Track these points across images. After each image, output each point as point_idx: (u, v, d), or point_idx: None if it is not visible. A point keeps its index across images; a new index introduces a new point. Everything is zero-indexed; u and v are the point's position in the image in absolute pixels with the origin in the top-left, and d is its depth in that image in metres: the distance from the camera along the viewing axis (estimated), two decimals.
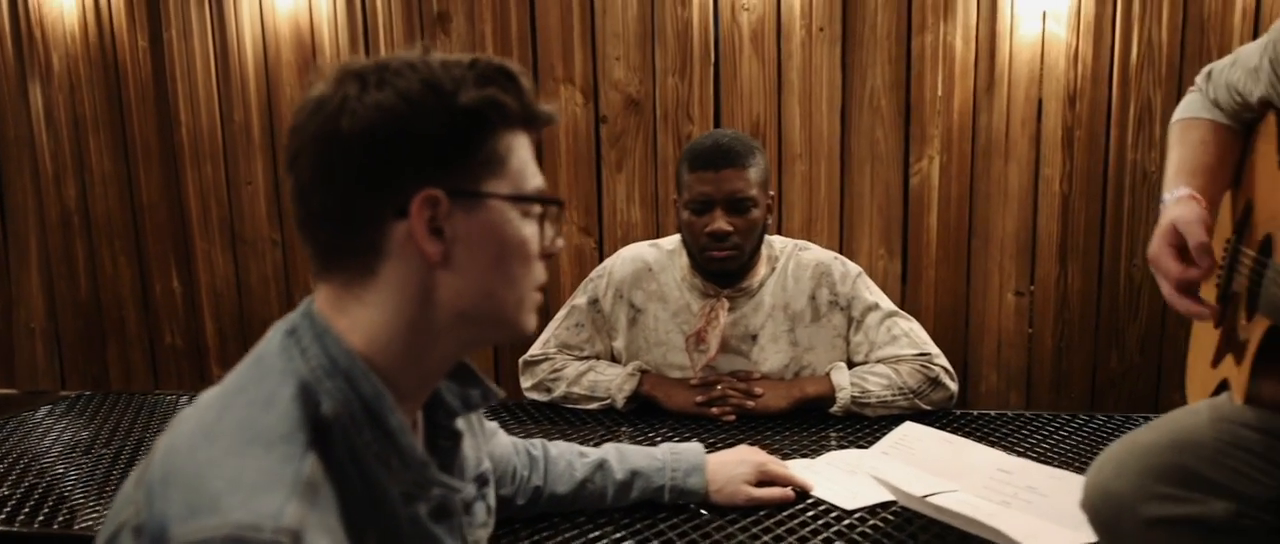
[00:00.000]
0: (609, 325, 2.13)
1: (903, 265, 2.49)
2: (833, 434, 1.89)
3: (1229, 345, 1.32)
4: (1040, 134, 2.36)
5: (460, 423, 1.10)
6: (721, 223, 1.95)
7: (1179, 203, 1.30)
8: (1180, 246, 1.25)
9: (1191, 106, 1.48)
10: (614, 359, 2.14)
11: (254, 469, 0.82)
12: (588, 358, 2.13)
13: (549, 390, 2.11)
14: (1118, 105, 2.31)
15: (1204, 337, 1.47)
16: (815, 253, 2.10)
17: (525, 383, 2.15)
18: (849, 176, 2.47)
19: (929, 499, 1.43)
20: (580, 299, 2.16)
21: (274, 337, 0.96)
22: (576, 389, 2.08)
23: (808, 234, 2.47)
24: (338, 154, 0.90)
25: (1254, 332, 1.21)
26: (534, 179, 0.97)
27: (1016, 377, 2.49)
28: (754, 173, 1.97)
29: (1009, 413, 2.10)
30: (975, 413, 2.08)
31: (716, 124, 2.50)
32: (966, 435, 1.85)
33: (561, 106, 2.56)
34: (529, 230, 0.96)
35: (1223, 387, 1.30)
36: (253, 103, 2.69)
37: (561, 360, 2.12)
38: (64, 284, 2.87)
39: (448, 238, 0.92)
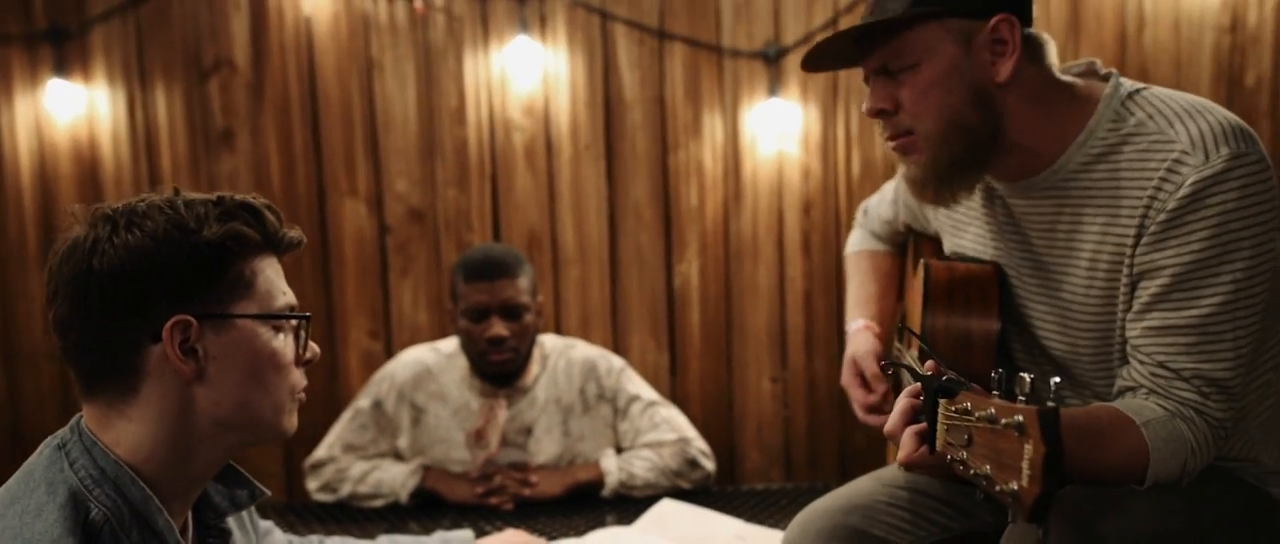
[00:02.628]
0: (393, 426, 2.24)
1: (670, 357, 2.72)
2: (608, 515, 2.07)
3: None
4: (783, 239, 2.68)
5: (231, 522, 1.20)
6: (499, 329, 2.13)
7: (856, 335, 1.61)
8: (862, 376, 1.55)
9: (857, 241, 1.81)
10: (398, 457, 2.25)
11: None
12: (372, 457, 2.23)
13: (335, 490, 2.19)
14: (845, 212, 2.65)
15: None
16: (583, 350, 2.30)
17: (311, 485, 2.22)
18: (618, 279, 2.70)
19: None
20: (364, 402, 2.27)
21: (44, 451, 1.05)
22: (362, 488, 2.17)
23: (583, 332, 2.67)
24: (92, 291, 1.01)
25: None
26: (282, 297, 1.10)
27: (776, 454, 2.75)
28: (525, 281, 2.16)
29: (764, 487, 2.35)
30: (749, 488, 2.32)
31: (495, 232, 2.69)
32: (733, 509, 2.07)
33: (346, 218, 2.68)
34: (279, 343, 1.08)
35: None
36: (28, 216, 2.68)
37: (346, 461, 2.21)
38: None
39: (201, 356, 1.03)
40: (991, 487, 0.87)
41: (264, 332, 1.07)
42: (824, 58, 1.36)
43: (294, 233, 1.12)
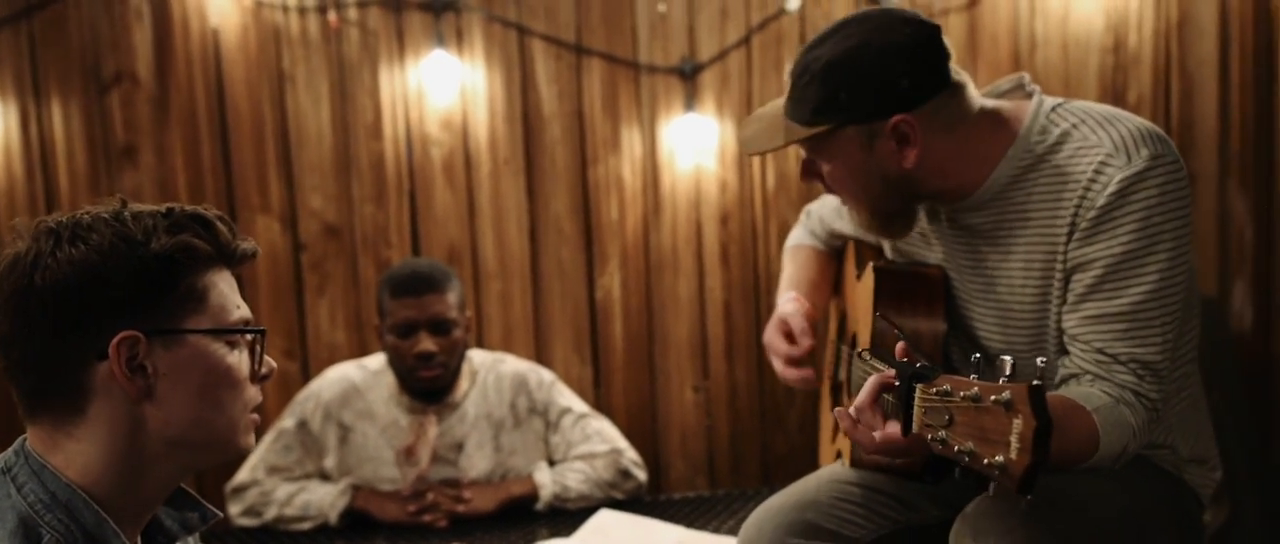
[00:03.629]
0: (319, 445, 2.19)
1: (594, 370, 2.74)
2: (542, 529, 2.07)
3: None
4: (702, 250, 2.73)
5: None
6: (427, 344, 2.11)
7: (787, 302, 1.67)
8: (787, 333, 1.59)
9: (798, 235, 1.89)
10: (325, 477, 2.20)
11: None
12: (298, 478, 2.18)
13: (259, 514, 2.13)
14: (762, 224, 2.72)
15: (826, 421, 1.82)
16: (512, 364, 2.30)
17: (234, 509, 2.15)
18: (541, 292, 2.70)
19: None
20: (288, 422, 2.21)
21: None
22: (288, 511, 2.12)
23: (507, 346, 2.66)
24: (34, 307, 0.97)
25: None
26: (236, 311, 1.06)
27: (701, 463, 2.79)
28: (452, 297, 2.15)
29: (691, 495, 2.38)
30: (675, 497, 2.35)
31: (414, 248, 2.65)
32: (666, 518, 2.09)
33: (259, 235, 2.61)
34: (233, 359, 1.04)
35: (838, 456, 1.62)
36: None
37: (271, 483, 2.15)
38: None
39: (150, 373, 0.99)
40: (977, 462, 0.92)
41: (217, 347, 1.03)
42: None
43: (247, 245, 1.09)
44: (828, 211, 1.81)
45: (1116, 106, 2.66)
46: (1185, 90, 2.74)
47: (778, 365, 1.61)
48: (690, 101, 2.66)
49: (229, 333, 1.04)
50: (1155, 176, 1.26)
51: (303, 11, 2.58)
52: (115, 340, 0.97)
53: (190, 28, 2.57)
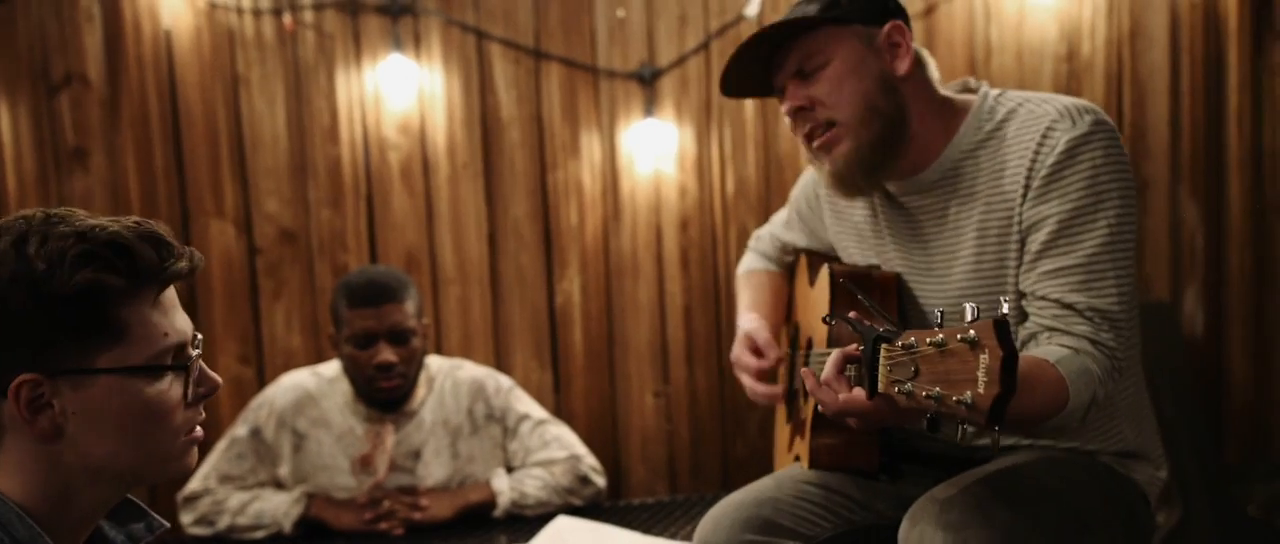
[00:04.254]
0: (272, 454, 2.16)
1: (554, 376, 2.72)
2: (500, 536, 2.06)
3: (796, 429, 1.67)
4: (662, 255, 2.72)
5: None
6: (387, 355, 2.08)
7: (749, 321, 1.71)
8: (754, 348, 1.61)
9: (749, 262, 1.95)
10: (279, 486, 2.17)
11: None
12: (251, 487, 2.15)
13: (212, 523, 2.10)
14: (721, 229, 2.72)
15: (781, 429, 1.83)
16: (470, 370, 2.28)
17: (186, 519, 2.12)
18: (500, 297, 2.68)
19: None
20: (241, 430, 2.17)
21: None
22: (241, 520, 2.08)
23: (465, 352, 2.64)
24: None
25: (807, 410, 1.55)
26: (164, 339, 0.98)
27: (661, 468, 2.78)
28: (411, 305, 2.13)
29: (650, 501, 2.37)
30: (634, 503, 2.34)
31: (372, 253, 2.63)
32: (625, 524, 2.09)
33: (213, 239, 2.57)
34: (156, 391, 0.97)
35: (796, 460, 1.63)
36: None
37: (223, 492, 2.12)
38: None
39: (58, 413, 0.94)
40: (945, 403, 0.93)
41: (134, 383, 0.96)
42: (743, 78, 1.49)
43: (182, 263, 1.00)
44: (777, 227, 1.87)
45: None
46: (1137, 98, 2.78)
47: (748, 382, 1.66)
48: (649, 107, 2.66)
49: (147, 371, 0.97)
50: (1099, 138, 1.34)
51: (257, 14, 2.55)
52: (14, 384, 0.92)
53: (142, 29, 2.53)
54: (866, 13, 1.43)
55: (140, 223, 0.99)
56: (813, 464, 1.50)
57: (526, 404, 2.29)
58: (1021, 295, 1.40)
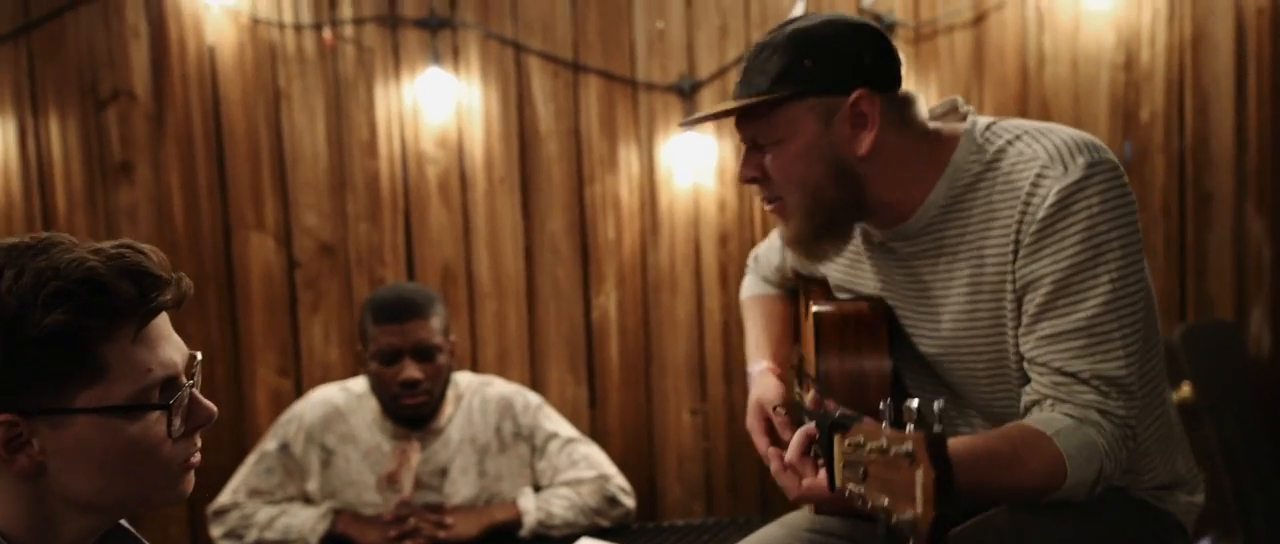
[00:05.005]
0: (301, 469, 2.17)
1: (589, 391, 2.70)
2: None
3: None
4: (700, 270, 2.68)
5: None
6: (412, 371, 2.07)
7: (760, 378, 1.58)
8: (764, 419, 1.49)
9: (750, 286, 1.83)
10: (308, 501, 2.18)
11: None
12: (279, 502, 2.16)
13: (240, 537, 2.11)
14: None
15: None
16: (499, 388, 2.26)
17: (215, 532, 2.13)
18: (536, 312, 2.67)
19: None
20: (270, 444, 2.19)
21: None
22: (269, 534, 2.09)
23: (500, 367, 2.62)
24: None
25: None
26: (149, 373, 0.95)
27: (697, 487, 2.74)
28: (437, 322, 2.11)
29: (680, 523, 2.33)
30: (664, 525, 2.30)
31: (409, 267, 2.63)
32: None
33: (253, 253, 2.60)
34: (141, 428, 0.95)
35: None
36: None
37: (252, 507, 2.13)
38: None
39: (38, 451, 0.92)
40: (891, 519, 0.87)
41: (114, 422, 0.93)
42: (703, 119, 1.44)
43: (166, 296, 0.96)
44: (772, 249, 1.76)
45: (1128, 125, 2.63)
46: (1199, 107, 2.66)
47: (773, 467, 1.50)
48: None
49: (124, 410, 0.94)
50: (1094, 184, 1.22)
51: (298, 29, 2.57)
52: None
53: (187, 45, 2.56)
54: (830, 80, 1.28)
55: (124, 253, 0.96)
56: (819, 509, 1.44)
57: (555, 422, 2.26)
58: (1021, 357, 1.29)
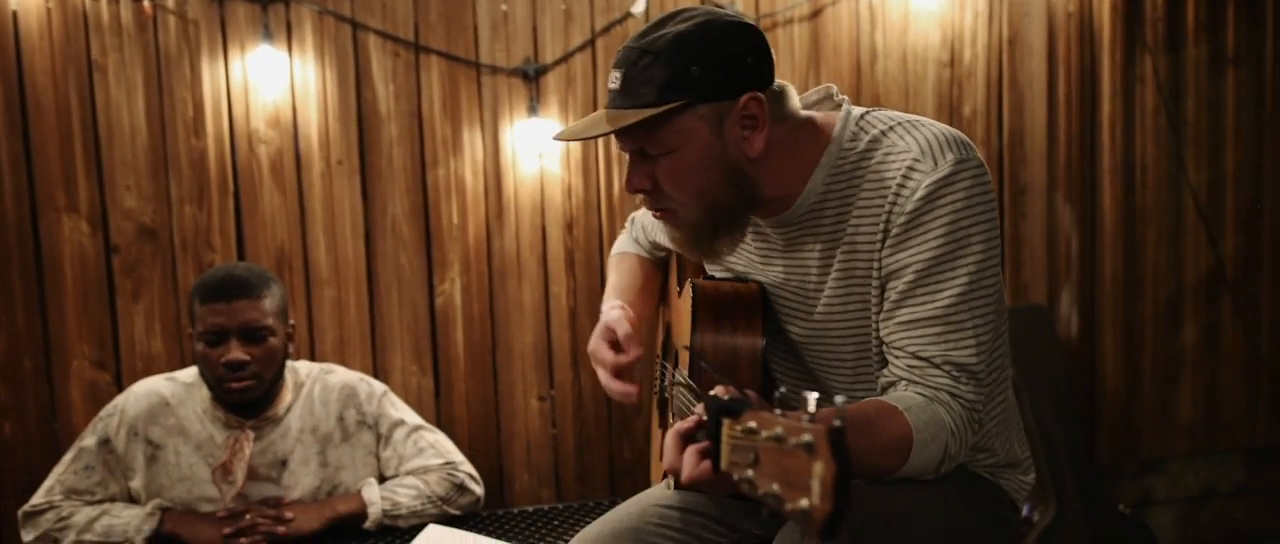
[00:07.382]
0: (124, 465, 2.03)
1: (434, 380, 2.64)
2: None
3: None
4: (546, 256, 2.66)
5: None
6: (237, 353, 1.97)
7: (612, 309, 1.59)
8: (613, 341, 1.51)
9: (624, 243, 1.84)
10: (132, 500, 2.04)
11: None
12: (100, 502, 2.01)
13: (56, 541, 1.96)
14: (608, 230, 2.67)
15: (655, 435, 1.78)
16: (341, 375, 2.18)
17: (27, 537, 1.97)
18: (377, 300, 2.58)
19: None
20: (89, 440, 2.04)
21: None
22: (88, 537, 1.95)
23: (340, 356, 2.53)
24: None
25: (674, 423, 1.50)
26: None
27: (546, 474, 2.72)
28: (269, 303, 2.02)
29: (530, 509, 2.31)
30: (514, 511, 2.27)
31: (240, 252, 2.50)
32: (504, 533, 2.02)
33: (65, 237, 2.41)
34: None
35: (666, 476, 1.58)
36: None
37: (69, 507, 1.98)
38: None
39: None
40: (781, 506, 0.87)
41: None
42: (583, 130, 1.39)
43: None
44: (651, 222, 1.76)
45: (952, 120, 2.78)
46: (1016, 104, 2.84)
47: (603, 376, 1.51)
48: (534, 104, 2.59)
49: None
50: (961, 180, 1.27)
51: None
52: None
53: None
54: (719, 86, 1.27)
55: None
56: (679, 485, 1.45)
57: (401, 410, 2.20)
58: (881, 342, 1.34)
